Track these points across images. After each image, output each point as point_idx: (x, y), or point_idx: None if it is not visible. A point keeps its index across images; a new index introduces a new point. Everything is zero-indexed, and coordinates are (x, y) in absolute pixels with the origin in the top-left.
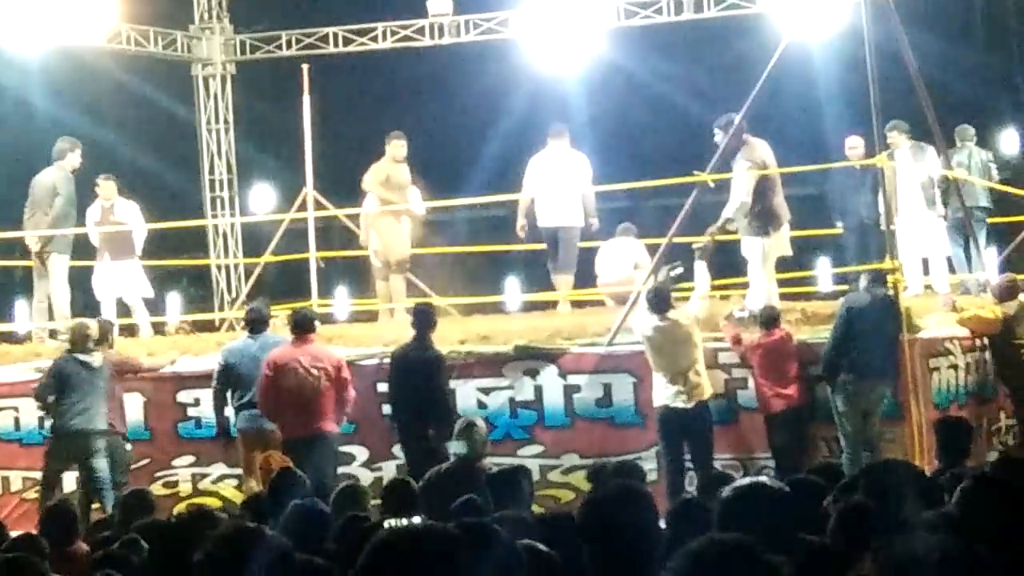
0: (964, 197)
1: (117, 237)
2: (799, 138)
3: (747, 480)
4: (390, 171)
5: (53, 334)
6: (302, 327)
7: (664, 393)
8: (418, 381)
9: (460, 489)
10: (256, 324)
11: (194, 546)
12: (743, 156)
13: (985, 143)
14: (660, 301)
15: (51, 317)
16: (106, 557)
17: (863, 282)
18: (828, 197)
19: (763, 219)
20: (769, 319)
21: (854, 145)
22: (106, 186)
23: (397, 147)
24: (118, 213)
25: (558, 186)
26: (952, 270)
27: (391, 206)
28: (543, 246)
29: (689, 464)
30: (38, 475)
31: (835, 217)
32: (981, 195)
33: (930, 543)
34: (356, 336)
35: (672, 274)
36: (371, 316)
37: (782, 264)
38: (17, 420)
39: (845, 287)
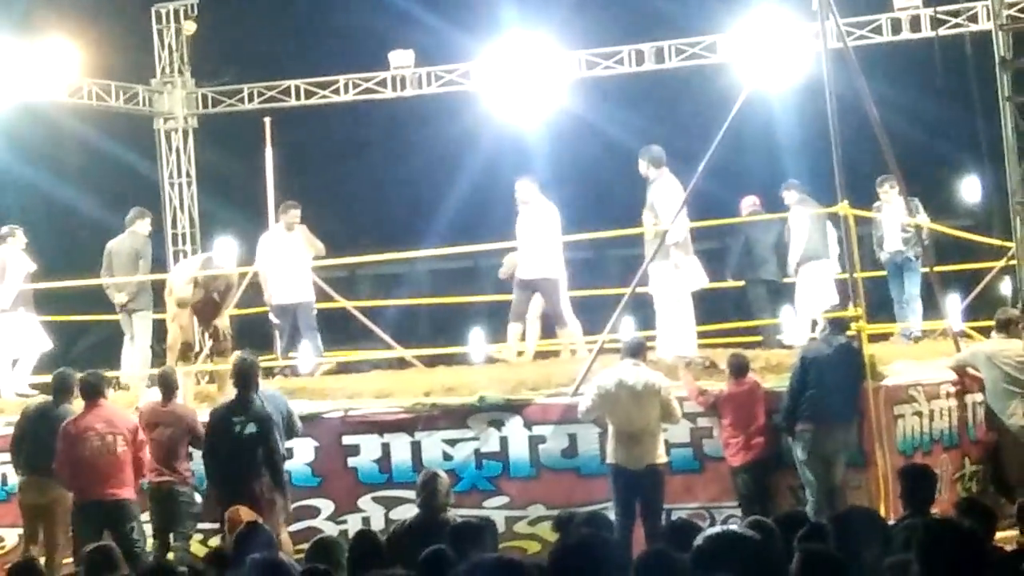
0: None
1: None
2: (760, 188)
3: (718, 529)
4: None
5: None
6: (92, 392)
7: (614, 451)
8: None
9: (425, 541)
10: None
11: None
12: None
13: (947, 191)
14: (635, 348)
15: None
16: None
17: (823, 330)
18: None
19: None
20: (739, 368)
21: (754, 203)
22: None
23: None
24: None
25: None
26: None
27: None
28: (507, 297)
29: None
30: None
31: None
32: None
33: None
34: (320, 389)
35: (695, 361)
36: (336, 369)
37: (743, 313)
38: None
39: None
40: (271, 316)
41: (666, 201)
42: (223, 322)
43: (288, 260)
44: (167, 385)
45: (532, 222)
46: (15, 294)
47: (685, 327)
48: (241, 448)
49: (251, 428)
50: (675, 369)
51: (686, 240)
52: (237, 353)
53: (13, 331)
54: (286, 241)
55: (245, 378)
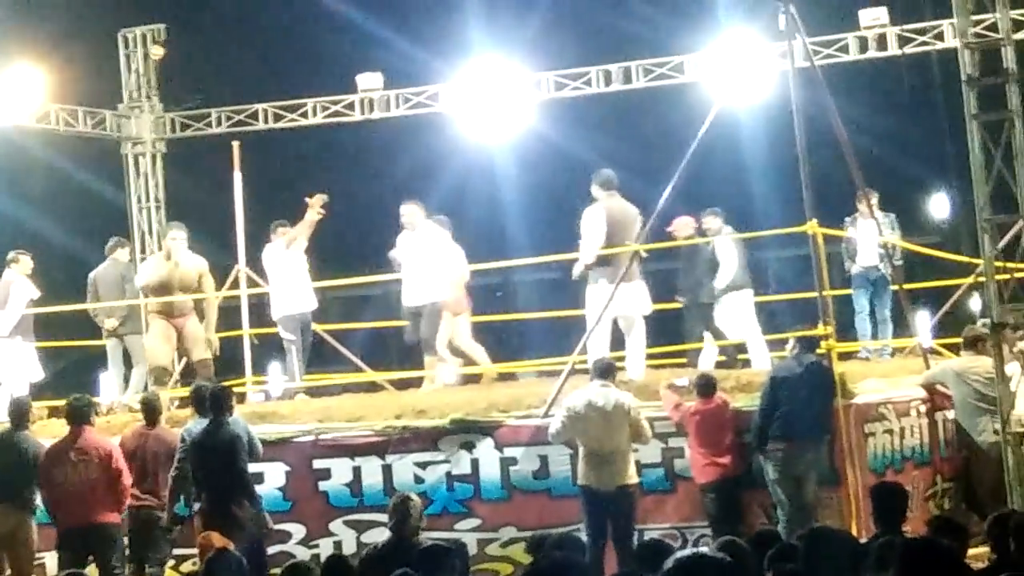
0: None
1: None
2: (728, 206)
3: (688, 551)
4: (154, 273)
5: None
6: (75, 418)
7: (585, 472)
8: (220, 462)
9: (397, 565)
10: (212, 404)
11: None
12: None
13: (915, 208)
14: (605, 369)
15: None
16: None
17: (793, 349)
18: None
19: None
20: (706, 386)
21: (685, 224)
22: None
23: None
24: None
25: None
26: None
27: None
28: (477, 318)
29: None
30: None
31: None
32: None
33: None
34: (290, 413)
35: (676, 383)
36: (306, 393)
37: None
38: None
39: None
40: (280, 331)
41: (586, 225)
42: (213, 336)
43: (293, 273)
44: (151, 410)
45: (418, 247)
46: (16, 321)
47: (599, 347)
48: (221, 471)
49: (227, 451)
50: (645, 389)
51: (610, 263)
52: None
53: (4, 359)
54: (288, 255)
55: (219, 402)
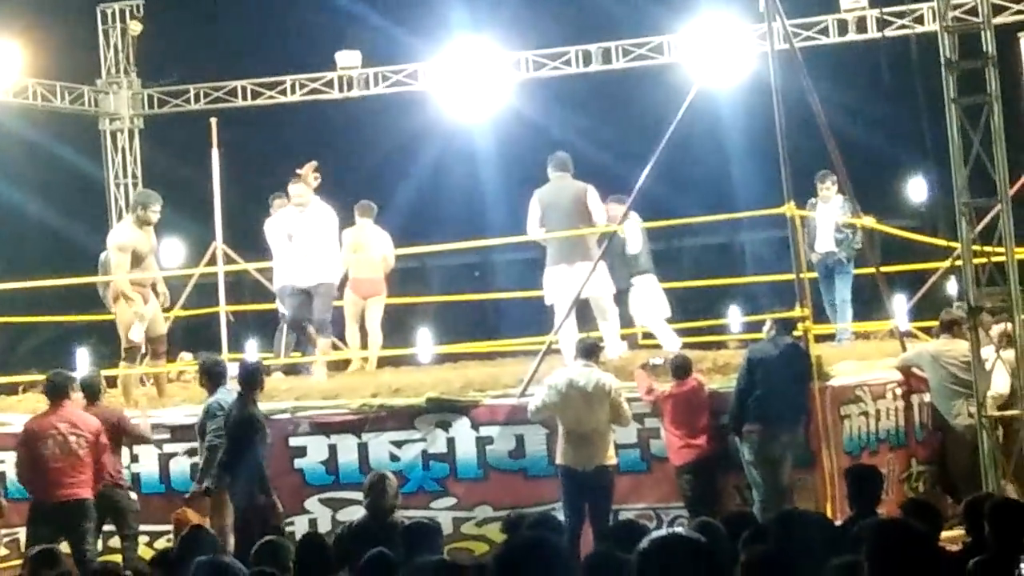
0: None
1: None
2: (707, 187)
3: (663, 531)
4: (136, 239)
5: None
6: (57, 392)
7: (564, 452)
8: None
9: (372, 543)
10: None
11: None
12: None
13: (893, 192)
14: (588, 350)
15: None
16: None
17: (770, 331)
18: None
19: None
20: (681, 368)
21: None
22: None
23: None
24: None
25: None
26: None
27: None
28: (455, 297)
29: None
30: None
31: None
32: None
33: None
34: (267, 390)
35: (652, 362)
36: (283, 370)
37: (694, 311)
38: None
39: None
40: (278, 305)
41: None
42: (163, 288)
43: (305, 239)
44: (92, 388)
45: (309, 226)
46: None
47: (568, 330)
48: (261, 449)
49: (263, 430)
50: (623, 369)
51: (550, 247)
52: (206, 354)
53: None
54: (299, 220)
55: (253, 379)
